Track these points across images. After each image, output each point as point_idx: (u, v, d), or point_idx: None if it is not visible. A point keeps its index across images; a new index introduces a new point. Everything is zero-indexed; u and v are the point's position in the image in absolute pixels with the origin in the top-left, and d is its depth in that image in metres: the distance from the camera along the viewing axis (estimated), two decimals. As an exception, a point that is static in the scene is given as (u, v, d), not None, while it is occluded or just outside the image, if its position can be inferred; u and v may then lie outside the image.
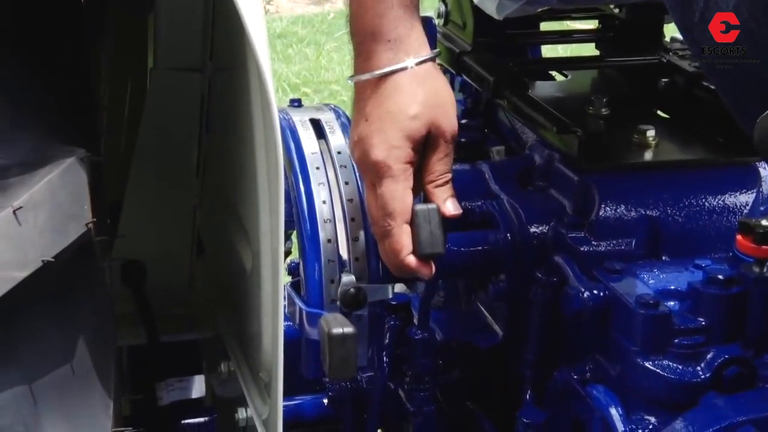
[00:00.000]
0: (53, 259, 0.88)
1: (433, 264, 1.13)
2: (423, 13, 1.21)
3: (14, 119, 0.94)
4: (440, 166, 1.13)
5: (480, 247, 1.34)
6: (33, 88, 0.98)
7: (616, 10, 1.57)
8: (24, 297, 0.88)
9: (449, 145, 1.13)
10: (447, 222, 1.13)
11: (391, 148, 1.09)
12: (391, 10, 1.08)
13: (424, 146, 1.12)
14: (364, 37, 1.09)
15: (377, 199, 1.10)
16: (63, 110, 0.99)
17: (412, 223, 1.11)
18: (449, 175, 1.14)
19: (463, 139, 1.65)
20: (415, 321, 1.34)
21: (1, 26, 0.97)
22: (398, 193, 1.10)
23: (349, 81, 1.13)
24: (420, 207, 1.11)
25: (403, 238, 1.10)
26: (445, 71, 1.70)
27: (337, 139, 1.24)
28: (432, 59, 1.12)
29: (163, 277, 1.40)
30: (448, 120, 1.12)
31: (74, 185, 0.91)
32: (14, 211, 0.86)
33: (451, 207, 1.13)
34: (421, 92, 1.10)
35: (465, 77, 1.59)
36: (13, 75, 0.96)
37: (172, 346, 1.40)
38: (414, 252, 1.11)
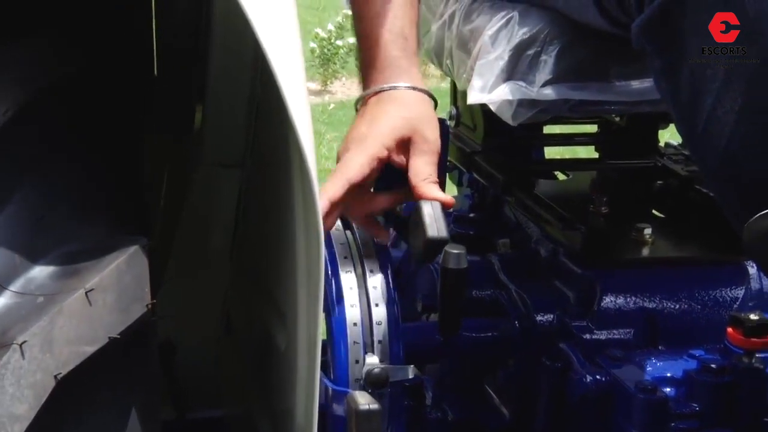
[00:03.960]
0: (119, 336, 0.97)
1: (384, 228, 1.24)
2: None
3: (83, 210, 1.04)
4: (426, 167, 1.23)
5: (490, 334, 1.44)
6: (97, 182, 1.09)
7: (617, 118, 1.70)
8: (89, 369, 0.97)
9: (433, 154, 1.24)
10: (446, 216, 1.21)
11: (374, 128, 1.22)
12: (392, 51, 1.25)
13: (407, 152, 1.23)
14: (376, 61, 1.26)
15: None
16: (122, 201, 1.10)
17: (416, 216, 1.20)
18: (435, 178, 1.24)
19: (471, 232, 1.76)
20: (428, 401, 1.43)
21: (70, 130, 1.08)
22: (358, 159, 1.21)
23: (359, 98, 1.26)
24: (423, 201, 1.20)
25: (335, 185, 1.20)
26: (453, 168, 1.83)
27: (362, 231, 1.35)
28: (429, 94, 1.27)
29: (191, 354, 1.48)
30: (432, 132, 1.24)
31: (138, 270, 1.01)
32: (86, 293, 0.95)
33: (442, 197, 1.22)
34: (414, 105, 1.25)
35: (475, 175, 1.71)
36: (81, 172, 1.07)
37: (199, 422, 1.48)
38: (422, 239, 1.19)
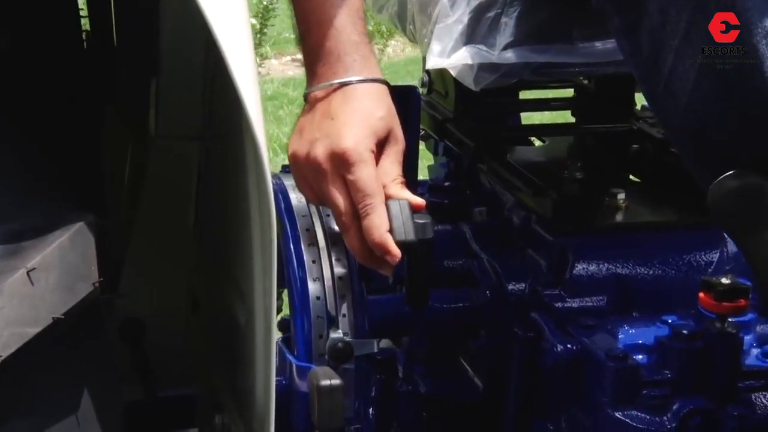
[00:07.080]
0: (63, 317, 0.95)
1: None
2: (408, 83, 1.30)
3: (27, 187, 1.01)
4: (395, 168, 1.18)
5: (461, 304, 1.41)
6: (43, 158, 1.06)
7: (585, 81, 1.67)
8: (34, 352, 0.94)
9: (400, 153, 1.19)
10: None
11: (360, 138, 1.14)
12: (351, 35, 1.17)
13: (379, 153, 1.17)
14: (328, 50, 1.16)
15: (349, 186, 1.14)
16: (72, 177, 1.07)
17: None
18: (402, 178, 1.19)
19: (445, 201, 1.74)
20: (400, 374, 1.41)
21: (13, 98, 1.05)
22: (374, 174, 1.15)
23: (314, 89, 1.17)
24: (391, 201, 1.16)
25: (384, 215, 1.14)
26: (428, 136, 1.80)
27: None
28: (387, 84, 1.20)
29: (159, 334, 1.47)
30: (399, 129, 1.19)
31: (83, 247, 0.99)
32: (28, 272, 0.93)
33: (411, 197, 1.17)
34: (384, 102, 1.18)
35: (448, 143, 1.68)
36: (25, 146, 1.04)
37: (168, 400, 1.46)
38: None
